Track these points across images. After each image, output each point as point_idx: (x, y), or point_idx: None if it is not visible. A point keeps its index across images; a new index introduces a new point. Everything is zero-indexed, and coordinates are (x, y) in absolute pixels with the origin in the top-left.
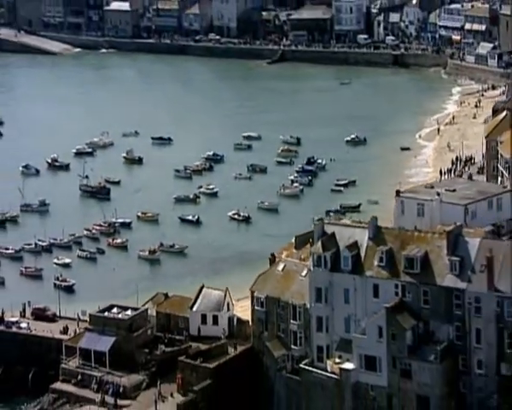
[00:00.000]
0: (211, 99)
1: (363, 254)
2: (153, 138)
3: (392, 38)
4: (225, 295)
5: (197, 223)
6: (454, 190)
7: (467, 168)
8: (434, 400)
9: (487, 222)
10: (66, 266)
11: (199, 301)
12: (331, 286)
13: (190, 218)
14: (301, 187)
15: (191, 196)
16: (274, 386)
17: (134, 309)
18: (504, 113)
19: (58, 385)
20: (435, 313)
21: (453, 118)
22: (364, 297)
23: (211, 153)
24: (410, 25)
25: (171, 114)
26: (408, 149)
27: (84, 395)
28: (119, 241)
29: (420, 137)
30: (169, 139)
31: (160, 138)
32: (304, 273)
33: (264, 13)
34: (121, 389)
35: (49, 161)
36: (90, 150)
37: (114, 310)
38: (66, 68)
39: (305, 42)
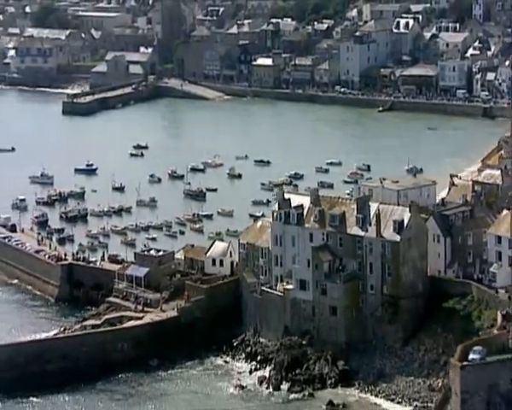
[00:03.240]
0: (321, 136)
1: (305, 213)
2: (255, 161)
3: (487, 93)
4: (228, 246)
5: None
6: (397, 181)
7: None
8: (340, 309)
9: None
10: (154, 239)
11: (211, 249)
12: (284, 234)
13: (257, 214)
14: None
15: (265, 201)
16: (247, 303)
17: (164, 251)
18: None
19: (111, 299)
20: (346, 252)
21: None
22: (304, 242)
23: (293, 172)
24: (502, 82)
25: (284, 144)
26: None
27: (125, 304)
28: (197, 226)
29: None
30: (268, 162)
31: (261, 161)
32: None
33: (382, 69)
34: (148, 301)
35: (170, 172)
36: (202, 167)
37: (152, 251)
38: (216, 110)
39: (412, 94)
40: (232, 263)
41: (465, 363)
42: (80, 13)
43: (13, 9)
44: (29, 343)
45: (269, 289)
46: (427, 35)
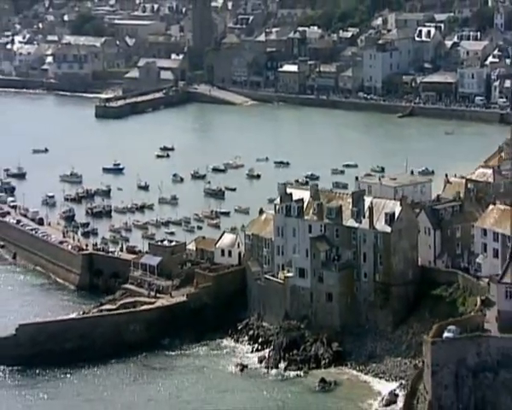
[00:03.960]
0: (342, 139)
1: (305, 206)
2: (275, 162)
3: (504, 100)
4: (236, 238)
5: None
6: (395, 179)
7: None
8: (336, 295)
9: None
10: (172, 233)
11: (220, 240)
12: (285, 226)
13: (271, 211)
14: None
15: None
16: (252, 290)
17: (176, 242)
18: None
19: (126, 286)
20: (342, 243)
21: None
22: (304, 233)
23: (309, 173)
24: None
25: (306, 147)
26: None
27: (139, 291)
28: (214, 222)
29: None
30: (287, 163)
31: (281, 162)
32: None
33: (404, 76)
34: (161, 288)
35: (192, 172)
36: (223, 168)
37: (165, 242)
38: (242, 114)
39: (432, 101)
40: (240, 253)
41: (435, 339)
42: (116, 21)
43: (52, 18)
44: (50, 323)
45: (271, 277)
46: (449, 43)
